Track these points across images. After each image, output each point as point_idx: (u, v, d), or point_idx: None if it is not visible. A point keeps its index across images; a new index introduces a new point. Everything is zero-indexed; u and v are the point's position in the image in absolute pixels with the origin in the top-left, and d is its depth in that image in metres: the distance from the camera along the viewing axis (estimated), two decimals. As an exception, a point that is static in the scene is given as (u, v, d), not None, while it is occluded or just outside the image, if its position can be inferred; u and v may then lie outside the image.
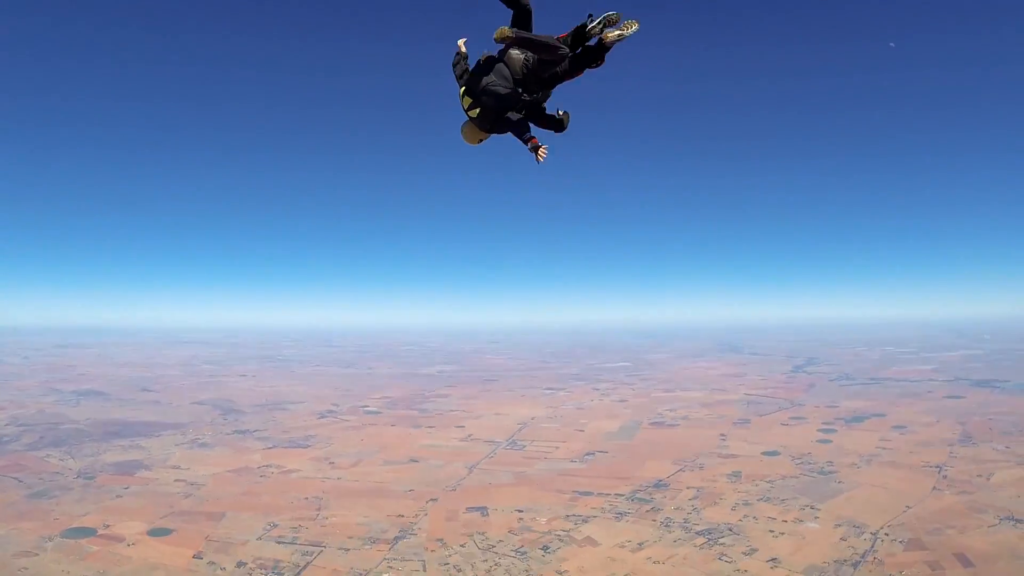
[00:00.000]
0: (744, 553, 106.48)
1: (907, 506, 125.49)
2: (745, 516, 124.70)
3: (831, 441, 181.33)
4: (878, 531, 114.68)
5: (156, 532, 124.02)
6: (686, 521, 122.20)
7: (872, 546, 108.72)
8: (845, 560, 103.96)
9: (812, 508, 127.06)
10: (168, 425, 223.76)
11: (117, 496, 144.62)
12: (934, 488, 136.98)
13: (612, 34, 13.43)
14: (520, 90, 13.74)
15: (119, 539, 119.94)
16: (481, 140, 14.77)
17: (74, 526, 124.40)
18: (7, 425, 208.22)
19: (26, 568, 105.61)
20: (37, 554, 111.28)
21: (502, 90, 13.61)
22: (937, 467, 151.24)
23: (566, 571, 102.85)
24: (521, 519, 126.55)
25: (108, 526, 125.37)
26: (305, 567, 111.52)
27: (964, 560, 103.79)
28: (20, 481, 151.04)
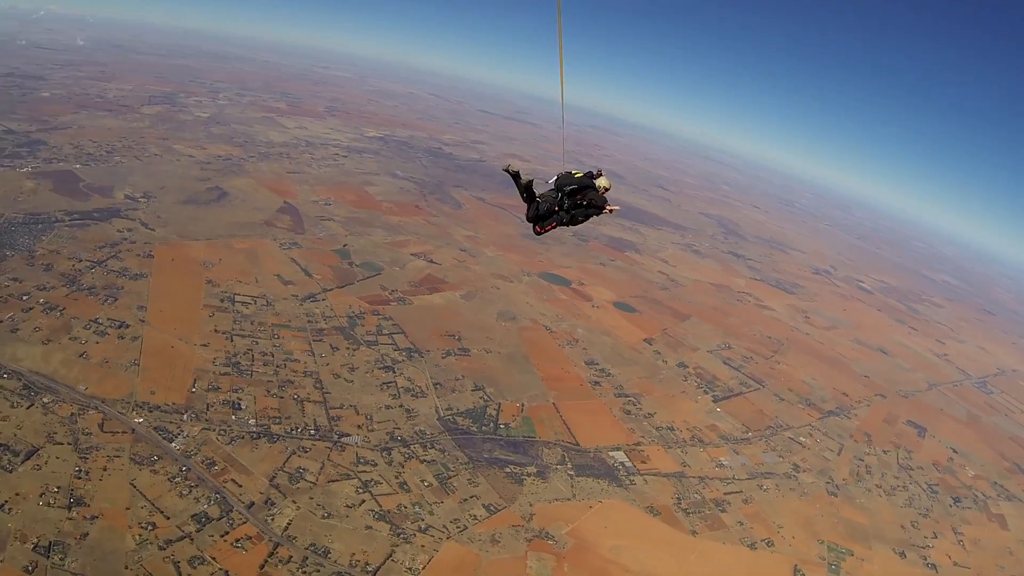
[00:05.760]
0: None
1: None
2: None
3: None
4: None
5: (621, 306, 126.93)
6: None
7: None
8: None
9: None
10: (670, 223, 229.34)
11: (601, 263, 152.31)
12: None
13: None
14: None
15: (587, 298, 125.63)
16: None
17: (553, 272, 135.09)
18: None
19: (498, 288, 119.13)
20: (512, 281, 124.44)
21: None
22: None
23: (962, 534, 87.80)
24: (951, 459, 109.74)
25: (583, 284, 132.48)
26: (736, 395, 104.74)
27: None
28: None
